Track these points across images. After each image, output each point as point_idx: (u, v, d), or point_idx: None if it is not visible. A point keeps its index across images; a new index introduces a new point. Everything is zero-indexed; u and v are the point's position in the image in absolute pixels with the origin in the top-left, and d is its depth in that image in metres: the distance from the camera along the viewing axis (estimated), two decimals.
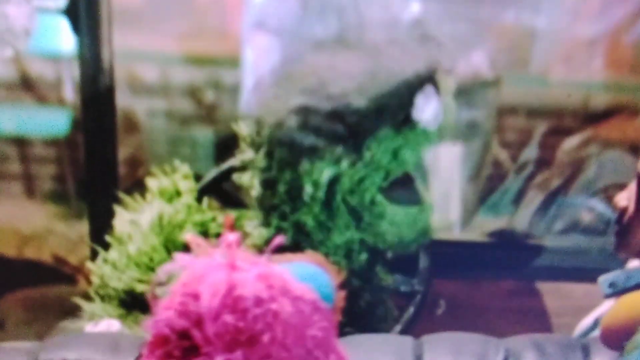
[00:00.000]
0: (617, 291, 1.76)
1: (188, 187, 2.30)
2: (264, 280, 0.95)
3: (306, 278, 1.03)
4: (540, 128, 3.08)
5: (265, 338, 0.92)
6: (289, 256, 1.08)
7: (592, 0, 3.01)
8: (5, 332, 2.87)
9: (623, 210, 1.75)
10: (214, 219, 2.26)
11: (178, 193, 2.30)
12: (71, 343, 1.73)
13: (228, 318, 0.92)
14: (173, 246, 2.17)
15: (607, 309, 1.76)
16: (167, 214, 2.21)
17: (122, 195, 2.36)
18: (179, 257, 0.98)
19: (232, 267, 0.96)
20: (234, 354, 0.92)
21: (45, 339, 1.79)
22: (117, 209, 2.34)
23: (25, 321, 2.90)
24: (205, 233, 2.18)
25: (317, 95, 2.06)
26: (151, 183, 2.35)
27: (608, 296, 1.81)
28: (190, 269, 0.97)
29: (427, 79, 2.18)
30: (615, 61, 3.04)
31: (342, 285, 1.10)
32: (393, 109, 2.15)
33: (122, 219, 2.31)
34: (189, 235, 1.01)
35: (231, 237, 0.98)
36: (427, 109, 2.16)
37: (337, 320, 1.08)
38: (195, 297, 0.93)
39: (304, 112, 2.07)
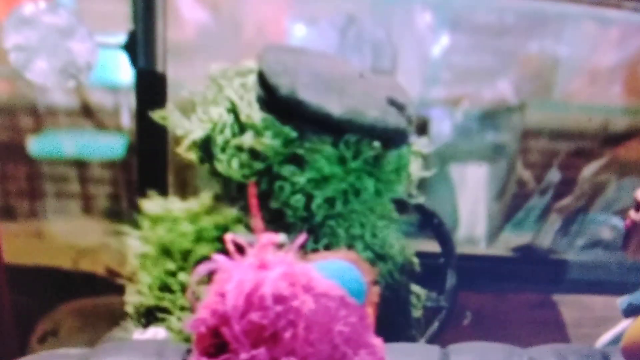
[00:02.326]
0: (636, 310, 1.82)
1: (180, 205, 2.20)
2: (287, 278, 0.94)
3: (336, 275, 1.02)
4: (562, 150, 3.12)
5: (288, 334, 0.92)
6: (323, 254, 1.10)
7: (612, 31, 3.05)
8: (59, 339, 2.91)
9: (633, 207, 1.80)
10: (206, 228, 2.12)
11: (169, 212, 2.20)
12: (119, 349, 1.74)
13: (253, 316, 0.91)
14: (172, 263, 2.10)
15: (626, 327, 1.80)
16: (160, 238, 2.13)
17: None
18: (216, 257, 0.97)
19: (261, 266, 0.96)
20: (258, 351, 0.91)
21: (95, 346, 1.80)
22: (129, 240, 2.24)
23: (78, 329, 2.94)
24: (200, 239, 2.09)
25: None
26: (145, 206, 2.24)
27: (627, 315, 1.86)
28: (223, 269, 0.96)
29: None
30: (634, 87, 3.07)
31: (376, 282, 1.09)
32: None
33: (132, 251, 2.22)
34: (227, 236, 0.99)
35: (266, 237, 0.98)
36: None
37: (371, 315, 1.07)
38: (223, 296, 0.94)
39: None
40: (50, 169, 3.01)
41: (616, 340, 1.90)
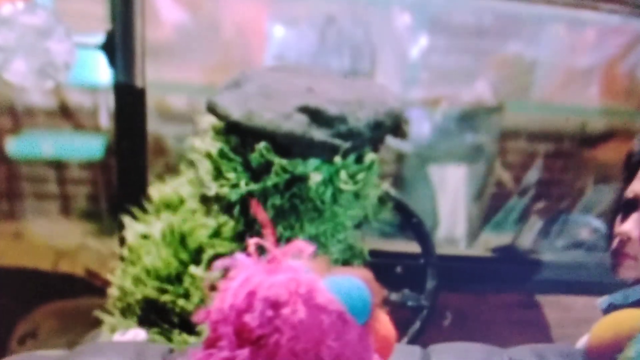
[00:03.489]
0: (616, 310, 1.80)
1: (190, 192, 2.18)
2: (288, 286, 0.93)
3: (343, 291, 0.99)
4: (541, 151, 3.12)
5: (272, 340, 0.92)
6: (343, 269, 1.05)
7: (589, 33, 3.05)
8: (38, 341, 2.90)
9: (625, 239, 1.80)
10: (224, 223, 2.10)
11: (181, 200, 2.20)
12: (99, 351, 1.70)
13: (245, 317, 0.92)
14: (185, 254, 2.09)
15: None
16: (175, 224, 2.11)
17: (130, 207, 2.26)
18: (237, 255, 0.97)
19: (272, 270, 0.96)
20: (240, 351, 0.92)
21: (75, 348, 1.75)
22: (127, 221, 2.22)
23: (57, 331, 2.93)
24: (216, 235, 2.08)
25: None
26: (153, 191, 2.25)
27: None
28: (236, 268, 0.97)
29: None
30: (611, 89, 3.08)
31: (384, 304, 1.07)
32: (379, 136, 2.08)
33: (132, 232, 2.20)
34: (251, 240, 0.99)
35: (300, 245, 0.98)
36: None
37: (388, 336, 1.09)
38: (225, 294, 0.94)
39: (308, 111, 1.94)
40: (28, 170, 2.99)
41: None
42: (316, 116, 1.95)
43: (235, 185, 2.01)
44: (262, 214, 1.00)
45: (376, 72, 2.62)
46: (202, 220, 2.11)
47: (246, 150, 1.99)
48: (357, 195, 2.10)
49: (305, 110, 1.94)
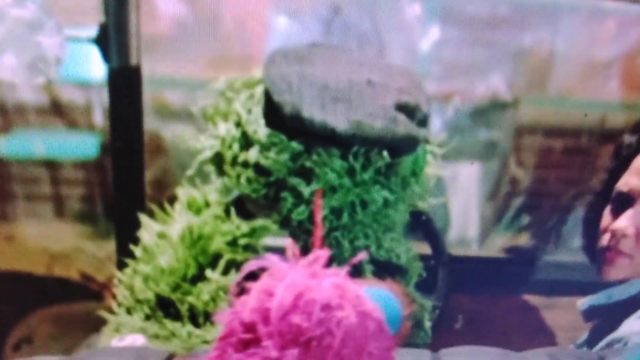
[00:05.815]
0: (596, 312, 1.80)
1: (217, 199, 2.21)
2: (338, 290, 0.96)
3: (378, 300, 1.02)
4: (558, 148, 3.12)
5: (324, 343, 0.93)
6: (369, 281, 1.07)
7: (609, 23, 3.04)
8: (33, 347, 2.90)
9: (620, 236, 1.80)
10: (238, 228, 2.14)
11: (207, 204, 2.23)
12: (98, 356, 1.69)
13: (294, 318, 0.93)
14: (204, 257, 2.12)
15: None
16: (195, 226, 2.15)
17: (150, 205, 2.29)
18: (269, 256, 0.99)
19: (312, 275, 0.98)
20: (289, 352, 0.93)
21: (72, 354, 1.75)
22: (144, 219, 2.26)
23: (53, 336, 2.93)
24: (233, 242, 2.11)
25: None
26: (181, 193, 2.28)
27: (587, 319, 1.85)
28: (273, 269, 0.98)
29: None
30: (632, 82, 3.07)
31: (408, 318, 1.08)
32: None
33: (150, 231, 2.23)
34: (288, 241, 1.01)
35: (320, 252, 0.99)
36: None
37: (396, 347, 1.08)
38: (270, 294, 0.95)
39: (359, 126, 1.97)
40: (20, 170, 3.01)
41: (591, 341, 1.91)
42: (407, 111, 2.00)
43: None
44: (319, 214, 1.02)
45: None
46: (223, 227, 2.14)
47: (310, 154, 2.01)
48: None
49: (400, 108, 1.99)
